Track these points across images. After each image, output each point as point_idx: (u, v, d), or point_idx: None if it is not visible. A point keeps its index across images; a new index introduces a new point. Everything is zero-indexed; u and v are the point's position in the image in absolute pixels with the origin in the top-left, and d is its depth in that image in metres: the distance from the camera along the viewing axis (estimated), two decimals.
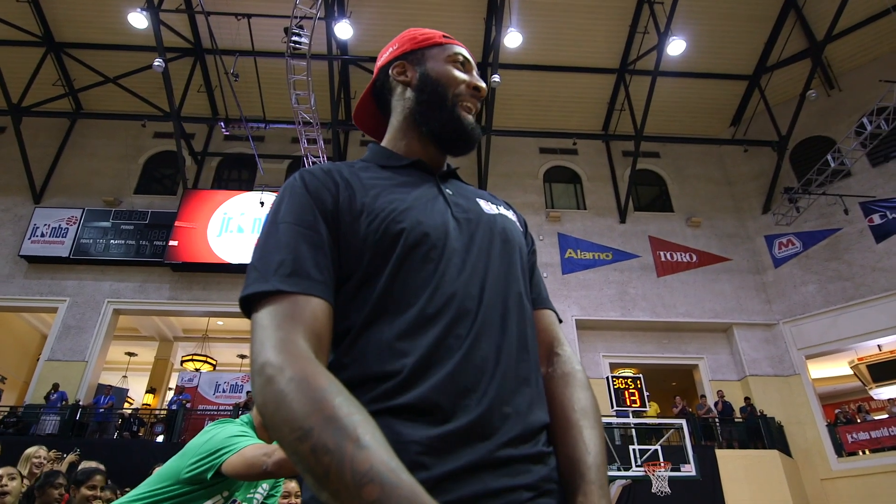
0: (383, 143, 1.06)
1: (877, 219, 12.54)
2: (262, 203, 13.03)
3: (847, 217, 12.79)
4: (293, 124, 11.92)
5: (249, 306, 0.78)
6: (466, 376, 0.76)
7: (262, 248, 0.81)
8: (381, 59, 1.09)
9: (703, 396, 12.28)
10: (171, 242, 12.70)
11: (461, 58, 1.04)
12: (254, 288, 0.76)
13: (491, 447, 0.73)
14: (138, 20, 11.67)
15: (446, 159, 1.06)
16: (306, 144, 12.17)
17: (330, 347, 0.79)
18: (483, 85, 1.04)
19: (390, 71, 1.05)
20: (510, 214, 1.02)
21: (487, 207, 0.97)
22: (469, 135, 1.00)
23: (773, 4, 13.43)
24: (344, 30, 12.04)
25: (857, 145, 11.84)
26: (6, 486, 3.10)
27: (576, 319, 12.72)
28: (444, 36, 1.07)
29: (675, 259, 13.83)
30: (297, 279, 0.76)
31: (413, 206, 0.88)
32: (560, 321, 1.04)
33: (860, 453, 11.31)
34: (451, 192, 0.97)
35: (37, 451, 4.51)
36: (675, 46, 12.28)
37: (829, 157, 12.30)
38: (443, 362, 0.76)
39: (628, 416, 9.38)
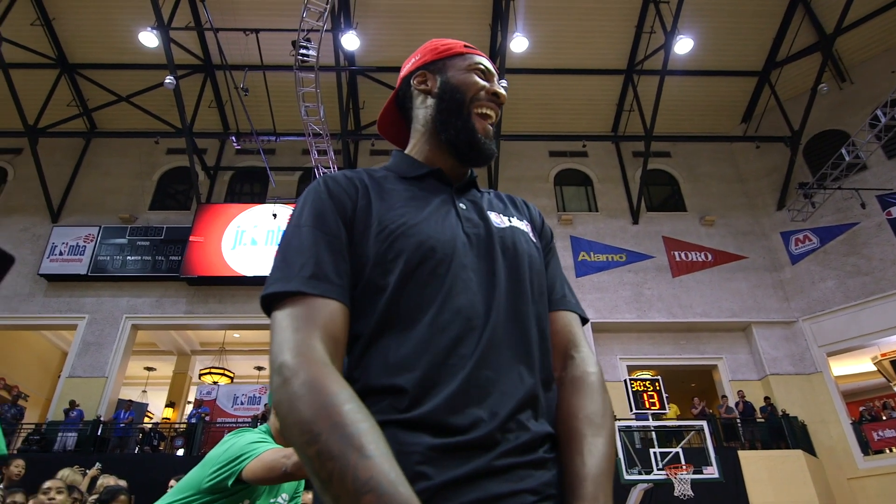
0: (406, 151, 1.07)
1: (895, 212, 12.35)
2: (274, 215, 13.12)
3: (864, 211, 12.61)
4: (303, 136, 12.03)
5: (270, 305, 0.80)
6: (469, 396, 0.76)
7: (284, 249, 0.84)
8: (404, 70, 1.11)
9: (724, 397, 12.12)
10: (186, 257, 12.81)
11: (482, 67, 1.05)
12: (276, 287, 0.79)
13: (492, 457, 0.74)
14: (149, 39, 11.87)
15: (467, 169, 1.06)
16: (317, 156, 12.26)
17: (345, 350, 0.81)
18: (503, 92, 1.05)
19: (412, 81, 1.07)
20: (523, 225, 1.01)
21: (499, 221, 0.97)
22: (481, 147, 1.00)
23: None
24: (351, 41, 12.14)
25: (872, 138, 11.68)
26: (55, 499, 3.14)
27: (591, 322, 12.63)
28: (465, 46, 1.08)
29: (689, 259, 13.70)
30: (317, 282, 0.79)
31: (424, 220, 0.89)
32: (587, 320, 1.02)
33: (887, 451, 11.07)
34: (464, 207, 0.97)
35: (80, 481, 4.52)
36: (683, 45, 12.22)
37: (843, 150, 12.14)
38: (446, 382, 0.77)
39: (648, 419, 9.28)
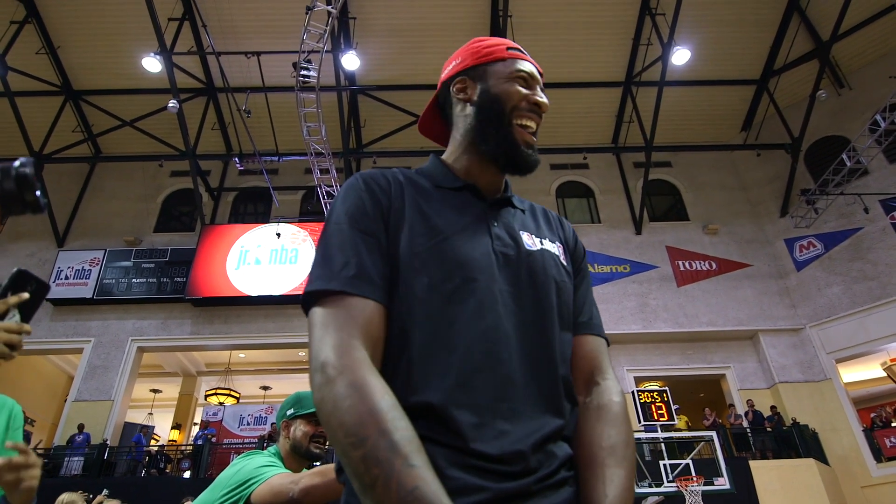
0: (444, 157, 1.04)
1: None
2: (278, 234, 13.18)
3: (868, 216, 12.58)
4: (306, 156, 12.12)
5: (310, 303, 0.81)
6: (496, 427, 0.76)
7: (326, 247, 0.84)
8: (445, 73, 1.06)
9: (731, 406, 12.03)
10: (190, 278, 12.84)
11: (524, 74, 1.00)
12: (318, 285, 0.80)
13: (526, 483, 0.75)
14: (152, 64, 12.03)
15: (504, 179, 1.04)
16: (319, 174, 12.35)
17: (382, 352, 0.81)
18: (544, 101, 1.00)
19: (451, 87, 1.03)
20: (554, 247, 0.98)
21: (530, 242, 0.94)
22: (523, 159, 0.98)
23: (775, 8, 13.44)
24: (351, 61, 12.29)
25: (872, 143, 11.70)
26: None
27: None
28: (508, 48, 1.04)
29: (694, 268, 13.68)
30: (359, 282, 0.79)
31: (455, 234, 0.87)
32: (609, 344, 1.00)
33: None
34: (496, 224, 0.94)
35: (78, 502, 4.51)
36: (680, 56, 12.31)
37: (844, 156, 12.15)
38: (469, 409, 0.76)
39: (657, 431, 9.23)
